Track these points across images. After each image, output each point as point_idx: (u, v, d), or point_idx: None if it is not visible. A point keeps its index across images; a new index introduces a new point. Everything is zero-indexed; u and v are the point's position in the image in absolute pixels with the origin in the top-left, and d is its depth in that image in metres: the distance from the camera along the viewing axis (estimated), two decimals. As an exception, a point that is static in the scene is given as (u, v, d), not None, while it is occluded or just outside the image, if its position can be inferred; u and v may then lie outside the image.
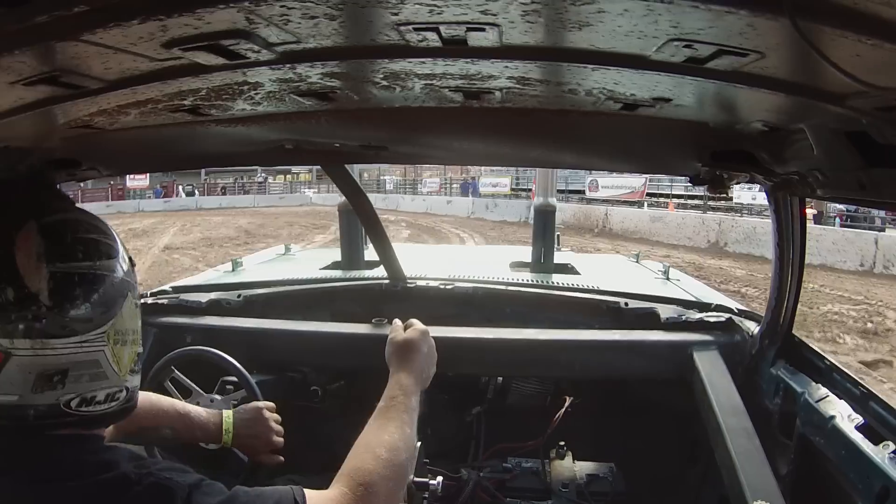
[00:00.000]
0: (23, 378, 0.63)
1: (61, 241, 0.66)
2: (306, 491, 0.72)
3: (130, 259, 0.74)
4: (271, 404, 1.29)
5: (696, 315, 1.76)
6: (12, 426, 0.64)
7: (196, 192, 33.66)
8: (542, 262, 2.66)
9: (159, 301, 1.95)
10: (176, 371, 1.55)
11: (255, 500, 0.68)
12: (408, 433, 0.85)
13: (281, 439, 1.26)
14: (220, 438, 1.19)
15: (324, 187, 31.10)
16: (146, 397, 1.11)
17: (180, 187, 33.37)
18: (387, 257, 2.06)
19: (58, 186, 1.29)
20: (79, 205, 0.75)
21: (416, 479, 1.40)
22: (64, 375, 0.64)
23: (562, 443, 1.81)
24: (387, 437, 0.82)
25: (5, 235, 0.64)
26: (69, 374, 0.64)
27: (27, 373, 0.63)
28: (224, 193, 34.61)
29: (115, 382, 0.69)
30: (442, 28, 0.59)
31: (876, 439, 1.08)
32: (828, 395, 1.26)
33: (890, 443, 1.05)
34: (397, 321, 1.10)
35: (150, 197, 31.02)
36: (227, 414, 1.22)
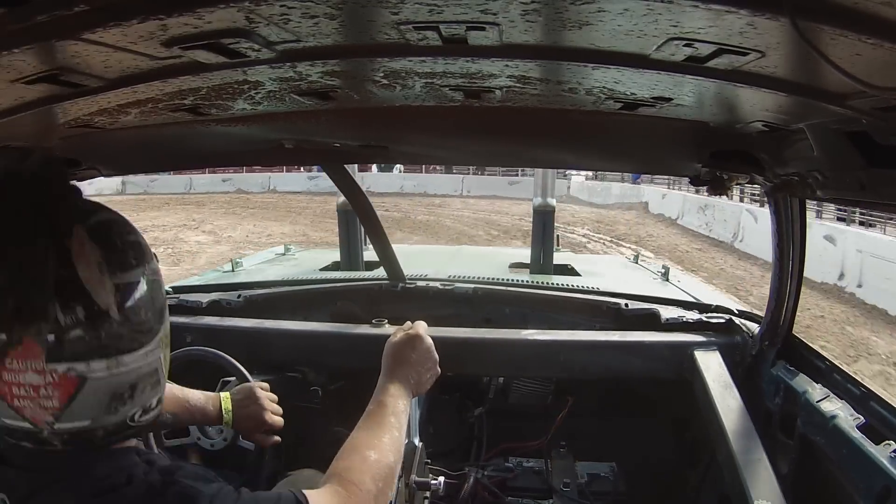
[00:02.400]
0: (97, 400, 0.60)
1: (115, 247, 0.62)
2: (307, 492, 0.72)
3: (154, 255, 0.71)
4: (265, 384, 1.28)
5: (696, 316, 1.76)
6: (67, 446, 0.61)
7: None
8: (542, 262, 2.66)
9: None
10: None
11: (263, 501, 0.68)
12: (395, 436, 0.85)
13: (278, 418, 1.25)
14: (220, 420, 1.19)
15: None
16: None
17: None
18: (386, 257, 2.06)
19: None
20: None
21: (418, 479, 1.40)
22: (133, 390, 0.63)
23: (563, 442, 1.81)
24: (375, 440, 0.83)
25: (60, 247, 0.58)
26: (137, 387, 0.63)
27: (102, 395, 0.60)
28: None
29: (163, 386, 0.68)
30: (442, 27, 0.59)
31: (877, 439, 1.08)
32: (828, 395, 1.26)
33: (891, 442, 1.05)
34: (408, 324, 1.10)
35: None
36: (225, 396, 1.22)
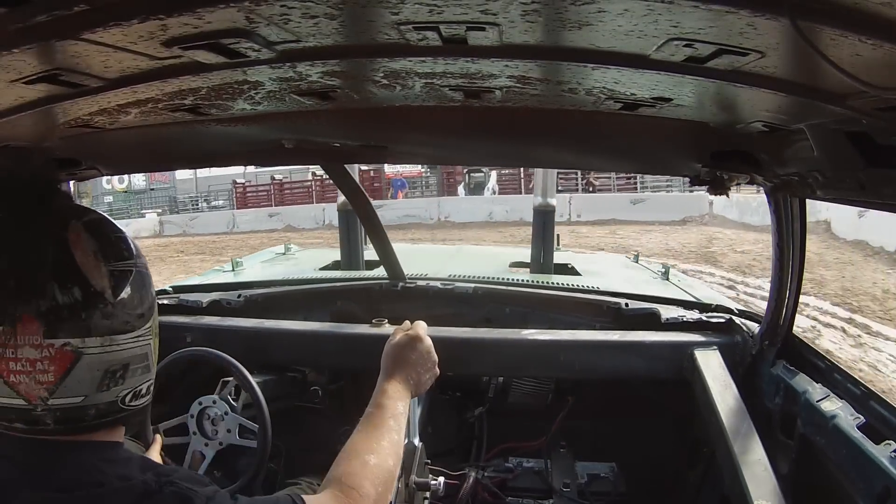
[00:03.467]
0: (91, 377, 0.63)
1: (108, 240, 0.67)
2: (306, 497, 0.73)
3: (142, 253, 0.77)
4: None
5: (696, 316, 1.76)
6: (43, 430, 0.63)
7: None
8: (542, 262, 2.66)
9: (159, 301, 1.95)
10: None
11: None
12: (395, 439, 0.86)
13: None
14: None
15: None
16: None
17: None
18: (386, 257, 2.06)
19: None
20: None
21: (418, 479, 1.40)
22: (125, 370, 0.66)
23: (563, 442, 1.81)
24: (374, 443, 0.83)
25: (58, 237, 0.63)
26: (129, 368, 0.67)
27: (95, 371, 0.64)
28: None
29: (153, 374, 0.72)
30: (442, 27, 0.59)
31: (877, 439, 1.08)
32: (828, 395, 1.26)
33: (891, 442, 1.05)
34: (407, 324, 1.10)
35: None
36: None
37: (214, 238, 16.88)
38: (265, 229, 18.04)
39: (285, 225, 18.81)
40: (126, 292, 0.66)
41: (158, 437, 1.38)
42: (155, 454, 1.30)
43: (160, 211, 23.65)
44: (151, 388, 0.73)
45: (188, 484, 0.65)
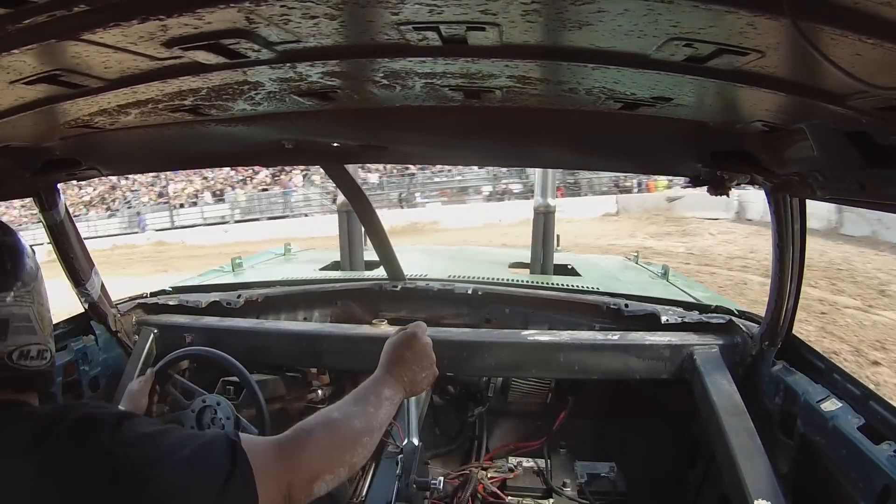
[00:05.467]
0: None
1: None
2: (245, 435, 0.72)
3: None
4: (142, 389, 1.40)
5: (696, 316, 1.76)
6: None
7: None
8: (542, 262, 2.66)
9: (159, 301, 1.95)
10: (176, 375, 1.55)
11: (191, 437, 0.69)
12: (369, 411, 0.85)
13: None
14: None
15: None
16: None
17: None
18: (386, 257, 2.06)
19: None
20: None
21: (418, 479, 1.40)
22: (6, 326, 0.69)
23: (563, 442, 1.81)
24: (344, 406, 0.84)
25: None
26: (10, 325, 0.70)
27: None
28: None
29: (42, 340, 0.75)
30: (442, 27, 0.59)
31: (877, 439, 1.08)
32: (828, 395, 1.26)
33: (891, 442, 1.05)
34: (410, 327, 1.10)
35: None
36: None
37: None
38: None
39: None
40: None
41: (150, 373, 1.41)
42: (143, 395, 1.34)
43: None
44: (47, 355, 0.75)
45: (97, 405, 0.67)
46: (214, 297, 2.01)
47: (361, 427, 0.82)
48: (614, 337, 1.71)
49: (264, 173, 20.07)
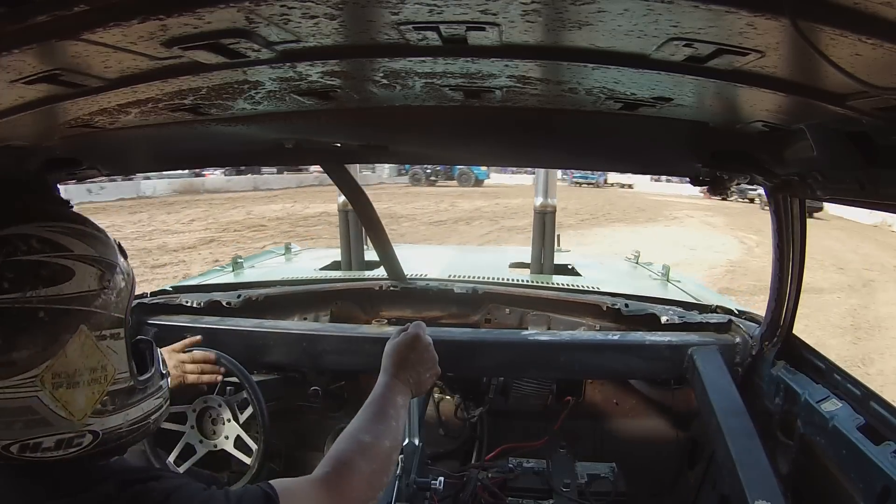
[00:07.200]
0: None
1: None
2: (282, 480, 0.71)
3: (110, 276, 0.64)
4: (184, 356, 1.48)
5: (696, 316, 1.76)
6: None
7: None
8: (542, 262, 2.66)
9: (159, 301, 1.95)
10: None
11: (231, 498, 0.67)
12: (392, 426, 0.86)
13: (206, 376, 1.50)
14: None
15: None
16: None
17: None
18: (387, 257, 2.06)
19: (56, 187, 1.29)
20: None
21: (419, 479, 1.40)
22: None
23: (563, 443, 1.81)
24: (370, 425, 0.84)
25: None
26: (2, 416, 0.57)
27: None
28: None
29: (68, 427, 0.60)
30: (442, 27, 0.59)
31: (877, 439, 1.08)
32: (828, 396, 1.26)
33: (891, 442, 1.05)
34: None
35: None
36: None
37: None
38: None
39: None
40: None
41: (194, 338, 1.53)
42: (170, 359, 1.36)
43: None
44: (82, 441, 0.61)
45: (149, 480, 0.62)
46: (214, 297, 2.00)
47: (392, 446, 0.83)
48: (614, 337, 1.71)
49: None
